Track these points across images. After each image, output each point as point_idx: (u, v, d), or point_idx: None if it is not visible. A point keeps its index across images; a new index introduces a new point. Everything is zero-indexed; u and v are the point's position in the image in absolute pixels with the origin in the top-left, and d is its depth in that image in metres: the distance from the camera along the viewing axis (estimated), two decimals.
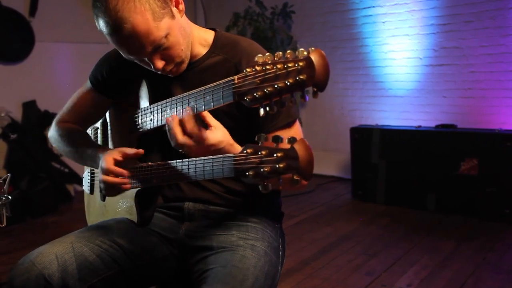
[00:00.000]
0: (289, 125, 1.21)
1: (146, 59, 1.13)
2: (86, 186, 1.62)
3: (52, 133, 1.42)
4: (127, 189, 1.20)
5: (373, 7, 4.26)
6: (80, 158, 1.32)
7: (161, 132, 1.28)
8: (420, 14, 3.99)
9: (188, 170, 1.07)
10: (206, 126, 1.08)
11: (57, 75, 4.27)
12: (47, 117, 4.09)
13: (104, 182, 1.16)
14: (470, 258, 2.62)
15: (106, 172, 1.16)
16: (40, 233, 3.27)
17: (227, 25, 4.51)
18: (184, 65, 1.20)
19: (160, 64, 1.13)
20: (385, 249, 2.80)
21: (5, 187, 1.35)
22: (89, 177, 1.59)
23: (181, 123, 1.06)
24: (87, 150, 1.29)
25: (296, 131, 1.23)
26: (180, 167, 1.10)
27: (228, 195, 1.30)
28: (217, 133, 1.06)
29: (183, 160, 1.09)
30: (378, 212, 3.53)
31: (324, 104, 4.59)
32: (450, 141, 3.42)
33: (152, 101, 1.26)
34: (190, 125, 1.05)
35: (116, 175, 1.16)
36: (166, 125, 1.11)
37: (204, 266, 1.16)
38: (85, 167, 1.64)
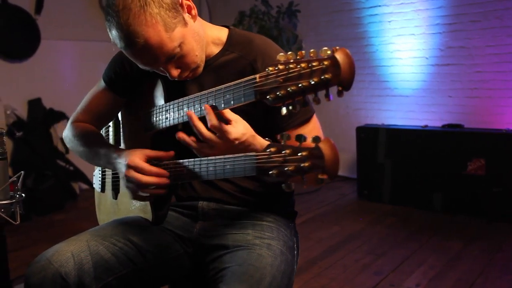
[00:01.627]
0: (307, 120, 1.21)
1: (161, 68, 1.13)
2: (97, 185, 1.62)
3: (66, 133, 1.41)
4: (161, 193, 1.15)
5: (379, 6, 4.25)
6: (93, 158, 1.30)
7: (176, 130, 1.27)
8: (426, 14, 3.98)
9: (207, 169, 1.06)
10: (226, 122, 1.06)
11: (62, 73, 4.28)
12: (52, 115, 4.10)
13: (140, 181, 1.10)
14: (478, 258, 2.62)
15: (140, 170, 1.11)
16: (46, 231, 3.27)
17: (232, 24, 4.51)
18: (200, 69, 1.19)
19: (175, 72, 1.13)
20: (392, 248, 2.80)
21: (19, 185, 1.35)
22: (100, 176, 1.59)
23: (203, 120, 1.05)
24: (101, 150, 1.27)
25: (314, 125, 1.23)
26: (198, 166, 1.09)
27: (242, 195, 1.29)
28: (239, 127, 1.04)
29: (202, 158, 1.08)
30: (384, 212, 3.53)
31: (329, 103, 4.55)
32: (457, 141, 3.41)
33: (167, 100, 1.26)
34: (212, 121, 1.02)
35: (154, 175, 1.12)
36: (190, 121, 1.09)
37: (220, 265, 1.16)
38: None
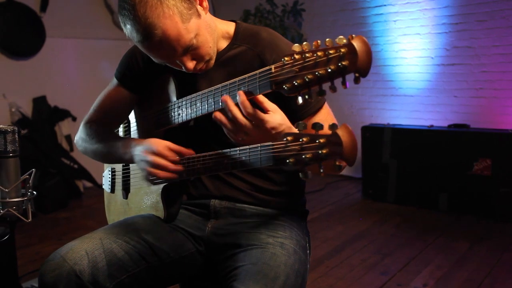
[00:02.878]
0: (320, 108, 1.21)
1: (177, 61, 1.12)
2: (106, 185, 1.61)
3: (79, 135, 1.38)
4: (174, 178, 1.16)
5: (385, 5, 4.24)
6: (108, 153, 1.28)
7: (188, 126, 1.27)
8: (432, 13, 3.97)
9: (222, 161, 1.06)
10: (263, 111, 1.02)
11: (67, 71, 4.27)
12: (57, 113, 4.10)
13: (156, 163, 1.11)
14: (485, 259, 2.61)
15: (159, 153, 1.12)
16: (52, 229, 3.27)
17: None
18: (212, 61, 1.19)
19: (191, 64, 1.13)
20: (398, 248, 2.79)
21: (30, 182, 1.35)
22: (109, 176, 1.58)
23: (238, 106, 1.01)
24: (118, 142, 1.25)
25: (328, 113, 1.23)
26: (213, 159, 1.08)
27: (255, 193, 1.29)
28: (277, 116, 1.01)
29: (217, 152, 1.07)
30: (389, 212, 3.52)
31: (333, 103, 4.53)
32: (463, 141, 3.40)
33: (179, 96, 1.26)
34: (248, 109, 0.98)
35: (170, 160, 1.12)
36: (225, 107, 1.03)
37: (234, 263, 1.15)
38: (105, 166, 1.62)
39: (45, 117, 4.00)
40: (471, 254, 2.68)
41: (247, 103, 0.98)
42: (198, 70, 1.17)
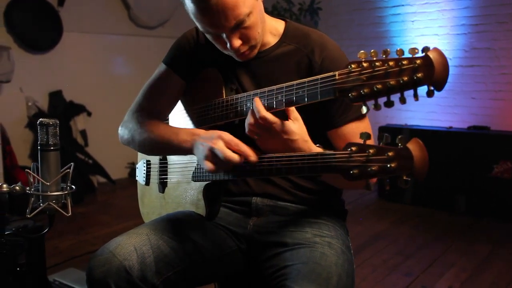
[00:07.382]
0: (360, 117, 1.18)
1: (224, 35, 1.09)
2: (140, 177, 1.59)
3: (125, 124, 1.31)
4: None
5: (402, 5, 4.22)
6: (161, 143, 1.20)
7: (232, 124, 1.24)
8: (451, 14, 3.94)
9: (276, 165, 1.03)
10: (286, 118, 1.04)
11: (83, 66, 4.25)
12: (73, 108, 4.09)
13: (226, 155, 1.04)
14: (509, 262, 2.59)
15: (229, 144, 1.06)
16: (68, 224, 3.25)
17: None
18: (256, 50, 1.17)
19: (237, 43, 1.10)
20: (420, 250, 2.77)
21: (70, 176, 1.33)
22: (144, 168, 1.57)
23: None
24: (175, 130, 1.18)
25: (367, 123, 1.21)
26: (264, 162, 1.05)
27: (297, 191, 1.27)
28: (293, 125, 1.03)
29: (270, 155, 1.05)
30: (406, 213, 3.50)
31: None
32: (483, 143, 3.38)
33: (226, 93, 1.24)
34: (261, 112, 1.02)
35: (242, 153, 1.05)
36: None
37: (281, 262, 1.13)
38: (139, 157, 1.60)
39: (60, 112, 3.99)
40: (494, 257, 2.66)
41: (261, 106, 1.03)
42: (240, 53, 1.13)
